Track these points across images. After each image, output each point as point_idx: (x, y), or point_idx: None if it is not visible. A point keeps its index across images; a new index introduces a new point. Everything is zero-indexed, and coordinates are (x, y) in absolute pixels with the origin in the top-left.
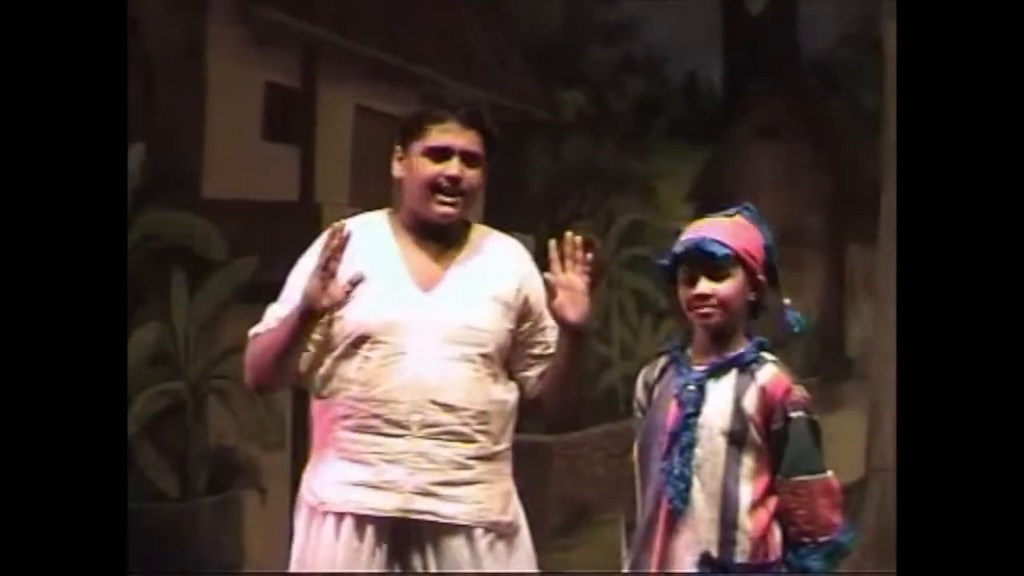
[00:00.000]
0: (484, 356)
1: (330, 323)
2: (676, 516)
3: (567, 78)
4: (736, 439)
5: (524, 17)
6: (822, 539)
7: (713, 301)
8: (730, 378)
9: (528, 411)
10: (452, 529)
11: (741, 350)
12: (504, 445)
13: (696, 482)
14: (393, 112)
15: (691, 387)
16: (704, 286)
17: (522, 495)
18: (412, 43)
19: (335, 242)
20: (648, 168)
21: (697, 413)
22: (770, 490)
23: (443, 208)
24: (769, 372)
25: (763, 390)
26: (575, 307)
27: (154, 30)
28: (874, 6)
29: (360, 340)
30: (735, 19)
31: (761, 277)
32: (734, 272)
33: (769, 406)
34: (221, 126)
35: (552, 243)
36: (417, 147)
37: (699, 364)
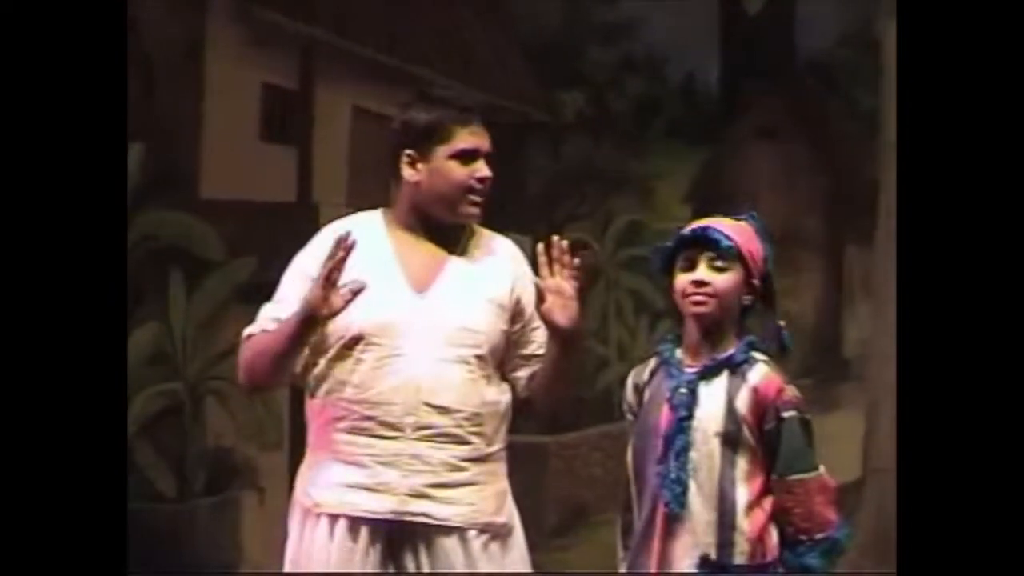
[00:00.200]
0: (478, 358)
1: (327, 324)
2: (673, 519)
3: (566, 79)
4: (730, 440)
5: (523, 18)
6: (819, 536)
7: (709, 290)
8: (722, 379)
9: (519, 412)
10: (446, 530)
11: (732, 351)
12: (497, 446)
13: (692, 485)
14: (391, 113)
15: (683, 390)
16: (703, 272)
17: (519, 496)
18: (410, 44)
19: (341, 253)
20: (646, 168)
21: (690, 416)
22: (765, 490)
23: (473, 209)
24: (760, 372)
25: (755, 390)
26: (564, 311)
27: (152, 30)
28: (872, 6)
29: (354, 341)
30: (733, 19)
31: (757, 282)
32: (734, 267)
33: (762, 406)
34: (219, 126)
35: (540, 247)
36: (443, 151)
37: (690, 366)
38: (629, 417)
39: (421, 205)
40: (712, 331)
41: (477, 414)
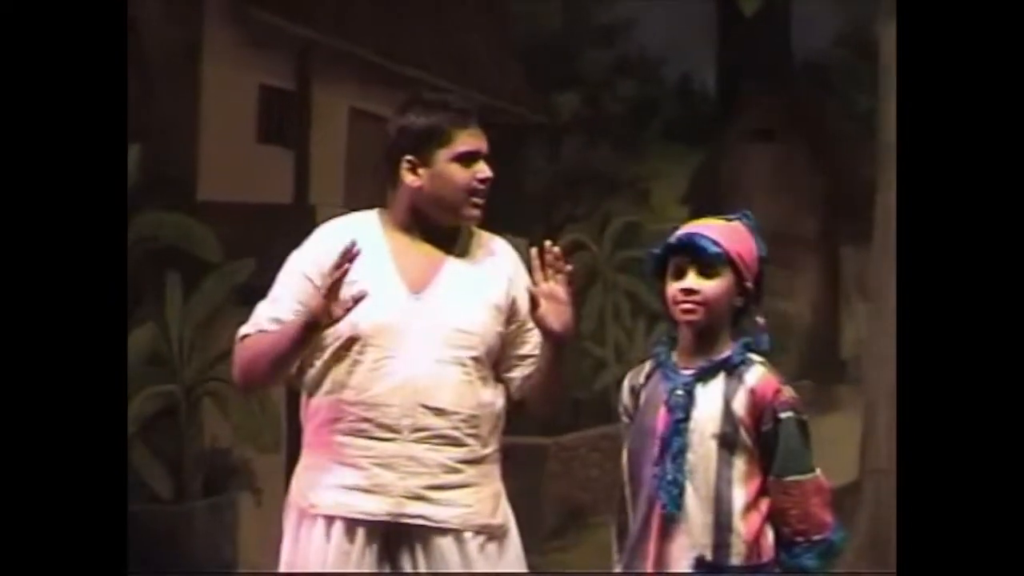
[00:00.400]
0: (474, 359)
1: (324, 330)
2: (670, 521)
3: (562, 80)
4: (727, 442)
5: (519, 19)
6: (815, 538)
7: (698, 298)
8: (718, 381)
9: (513, 413)
10: (443, 532)
11: (728, 352)
12: (492, 447)
13: (689, 487)
14: (388, 115)
15: (679, 392)
16: (691, 281)
17: (517, 497)
18: (407, 46)
19: (346, 264)
20: (643, 170)
21: (687, 418)
22: (762, 491)
23: (475, 211)
24: (757, 373)
25: (752, 392)
26: (558, 317)
27: (149, 32)
28: (869, 7)
29: (351, 342)
30: (729, 20)
31: (749, 284)
32: (723, 273)
33: (759, 407)
34: (216, 128)
35: (534, 251)
36: (444, 154)
37: (686, 367)
38: (625, 420)
39: (422, 209)
40: (705, 335)
41: (474, 416)
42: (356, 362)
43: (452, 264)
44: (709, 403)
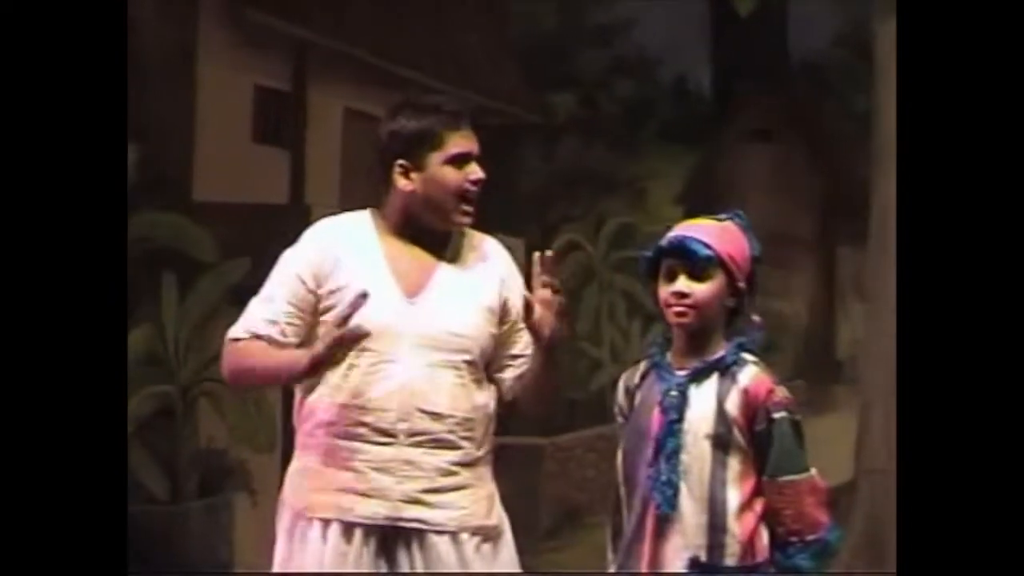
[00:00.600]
0: (468, 363)
1: (318, 327)
2: (664, 522)
3: (558, 81)
4: (721, 442)
5: (515, 20)
6: (810, 538)
7: (689, 301)
8: (712, 382)
9: (505, 414)
10: (439, 532)
11: (721, 353)
12: (486, 449)
13: (683, 488)
14: (383, 115)
15: (673, 392)
16: (682, 284)
17: (513, 497)
18: (402, 46)
19: (353, 312)
20: (639, 170)
21: (681, 419)
22: (756, 492)
23: (465, 219)
24: (751, 373)
25: (745, 392)
26: (551, 324)
27: (145, 32)
28: (864, 7)
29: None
30: (725, 21)
31: (742, 284)
32: (714, 274)
33: (752, 407)
34: (212, 129)
35: (535, 256)
36: (437, 158)
37: (680, 368)
38: (620, 420)
39: (415, 212)
40: (698, 337)
41: (468, 419)
42: (352, 366)
43: (446, 268)
44: (703, 404)
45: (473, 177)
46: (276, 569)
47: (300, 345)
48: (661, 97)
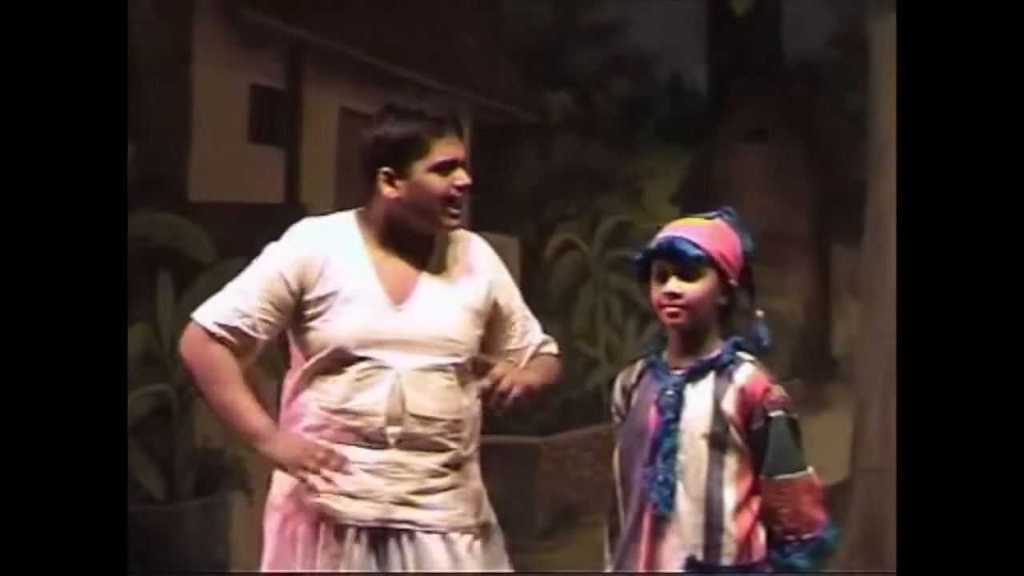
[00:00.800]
0: (457, 366)
1: (305, 333)
2: (661, 521)
3: (554, 79)
4: (717, 442)
5: (511, 19)
6: (807, 536)
7: (680, 301)
8: (708, 381)
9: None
10: (430, 533)
11: (717, 352)
12: (472, 448)
13: (680, 487)
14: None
15: (669, 392)
16: (673, 285)
17: (509, 496)
18: (398, 45)
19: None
20: (635, 169)
21: (677, 418)
22: (753, 491)
23: (453, 221)
24: (747, 372)
25: (742, 391)
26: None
27: (141, 32)
28: (860, 6)
29: (335, 354)
30: (720, 20)
31: (734, 282)
32: (705, 274)
33: (748, 406)
34: (207, 128)
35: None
36: (422, 165)
37: (676, 367)
38: (617, 419)
39: (400, 218)
40: (692, 336)
41: (457, 421)
42: (341, 372)
43: (431, 271)
44: (699, 403)
45: (459, 183)
46: (265, 568)
47: (269, 343)
48: (657, 96)
